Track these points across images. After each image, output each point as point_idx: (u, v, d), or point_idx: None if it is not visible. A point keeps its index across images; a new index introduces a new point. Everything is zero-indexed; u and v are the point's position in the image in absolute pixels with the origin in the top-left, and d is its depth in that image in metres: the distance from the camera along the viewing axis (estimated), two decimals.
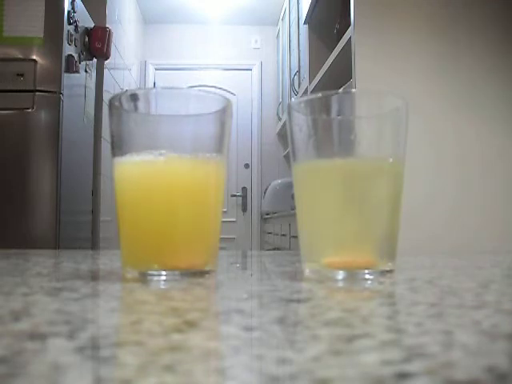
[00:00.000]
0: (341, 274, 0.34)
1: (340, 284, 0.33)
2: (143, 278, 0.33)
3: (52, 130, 1.65)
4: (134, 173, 0.36)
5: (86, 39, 2.02)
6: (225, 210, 3.45)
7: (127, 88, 2.88)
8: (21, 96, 1.63)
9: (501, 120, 1.37)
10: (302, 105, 0.38)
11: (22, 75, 1.64)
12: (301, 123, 0.37)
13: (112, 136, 0.36)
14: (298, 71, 2.61)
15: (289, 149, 0.39)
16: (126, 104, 0.36)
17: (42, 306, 0.24)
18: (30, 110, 1.63)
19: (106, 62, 2.30)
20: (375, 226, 0.36)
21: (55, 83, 1.67)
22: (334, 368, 0.14)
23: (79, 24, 1.88)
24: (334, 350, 0.16)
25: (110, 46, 2.17)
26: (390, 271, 0.35)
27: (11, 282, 0.32)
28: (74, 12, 1.79)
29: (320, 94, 0.36)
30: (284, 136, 3.51)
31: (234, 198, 3.65)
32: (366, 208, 0.36)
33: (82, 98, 1.99)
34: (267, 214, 3.23)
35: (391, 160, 0.36)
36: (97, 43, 2.08)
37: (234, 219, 3.65)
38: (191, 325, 0.19)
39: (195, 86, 3.30)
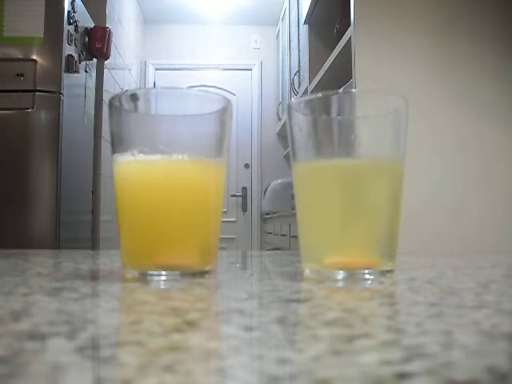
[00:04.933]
0: (341, 274, 0.34)
1: (340, 284, 0.33)
2: (143, 278, 0.33)
3: (52, 130, 1.65)
4: (134, 173, 0.36)
5: (86, 39, 2.02)
6: (225, 210, 3.45)
7: (127, 88, 2.88)
8: (21, 96, 1.63)
9: (501, 119, 1.37)
10: (302, 105, 0.38)
11: (22, 75, 1.64)
12: (301, 123, 0.37)
13: (112, 136, 0.36)
14: (298, 71, 2.61)
15: (289, 149, 0.39)
16: (126, 104, 0.36)
17: (42, 306, 0.24)
18: (29, 110, 1.63)
19: (106, 62, 2.30)
20: (375, 226, 0.36)
21: (55, 83, 1.67)
22: (334, 368, 0.14)
23: (79, 24, 1.88)
24: (334, 349, 0.16)
25: (110, 46, 2.17)
26: (390, 271, 0.35)
27: (11, 282, 0.32)
28: (74, 12, 1.79)
29: (320, 94, 0.36)
30: (284, 136, 3.51)
31: (234, 198, 3.65)
32: (365, 208, 0.36)
33: (81, 98, 1.99)
34: (267, 214, 3.23)
35: (391, 160, 0.36)
36: (97, 43, 2.08)
37: (234, 219, 3.65)
38: (191, 325, 0.19)
39: (195, 86, 3.30)
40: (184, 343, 0.17)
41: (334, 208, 0.36)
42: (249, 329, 0.19)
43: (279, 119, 3.48)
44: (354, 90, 0.39)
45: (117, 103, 0.36)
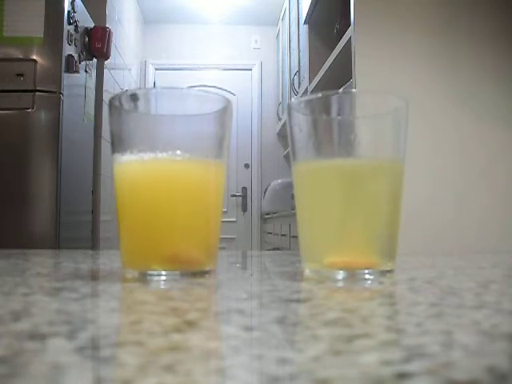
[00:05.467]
0: (341, 274, 0.34)
1: (340, 284, 0.33)
2: (143, 278, 0.33)
3: (52, 130, 1.65)
4: (134, 173, 0.36)
5: (86, 39, 2.02)
6: (225, 210, 3.45)
7: (127, 88, 2.88)
8: (21, 96, 1.63)
9: (501, 119, 1.37)
10: (302, 105, 0.38)
11: (22, 75, 1.64)
12: (301, 123, 0.37)
13: (112, 136, 0.36)
14: (298, 71, 2.61)
15: (289, 149, 0.39)
16: (126, 104, 0.36)
17: (42, 306, 0.24)
18: (29, 110, 1.63)
19: (106, 62, 2.30)
20: (375, 226, 0.36)
21: (55, 83, 1.67)
22: (334, 368, 0.14)
23: (79, 24, 1.88)
24: (334, 349, 0.16)
25: (110, 46, 2.17)
26: (390, 271, 0.35)
27: (11, 282, 0.32)
28: (74, 12, 1.79)
29: (320, 94, 0.36)
30: (284, 136, 3.51)
31: (234, 198, 3.65)
32: (365, 208, 0.36)
33: (81, 98, 1.99)
34: (267, 214, 3.23)
35: (391, 160, 0.36)
36: (97, 43, 2.08)
37: (234, 219, 3.65)
38: (191, 325, 0.19)
39: (195, 86, 3.30)
40: (184, 343, 0.17)
41: (334, 208, 0.36)
42: (249, 329, 0.19)
43: (279, 119, 3.48)
44: (353, 90, 0.39)
45: (117, 103, 0.36)
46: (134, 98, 0.37)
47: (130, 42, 3.17)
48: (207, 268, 0.35)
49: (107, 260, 0.52)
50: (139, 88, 3.03)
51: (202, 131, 0.37)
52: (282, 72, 3.38)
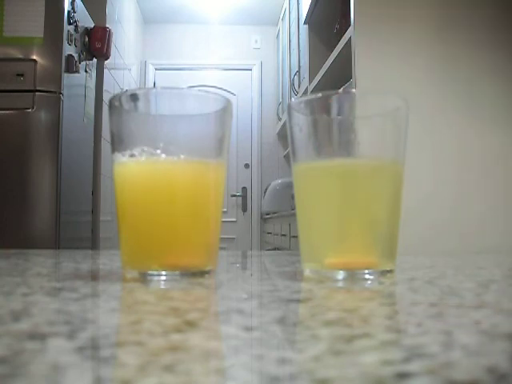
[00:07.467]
0: (341, 274, 0.34)
1: (340, 284, 0.33)
2: (143, 278, 0.33)
3: (52, 130, 1.65)
4: (134, 173, 0.36)
5: (86, 39, 2.02)
6: (225, 210, 3.45)
7: (127, 88, 2.88)
8: (21, 96, 1.63)
9: (500, 120, 1.37)
10: (302, 105, 0.38)
11: (22, 75, 1.64)
12: (301, 123, 0.37)
13: (112, 136, 0.36)
14: (298, 71, 2.61)
15: (289, 149, 0.39)
16: (126, 104, 0.36)
17: (42, 306, 0.24)
18: (29, 110, 1.63)
19: (106, 62, 2.30)
20: (375, 226, 0.36)
21: (55, 83, 1.67)
22: (334, 368, 0.14)
23: (79, 24, 1.88)
24: (334, 349, 0.16)
25: (109, 46, 2.17)
26: (390, 271, 0.35)
27: (11, 282, 0.32)
28: (74, 12, 1.79)
29: (320, 94, 0.36)
30: (284, 136, 3.51)
31: (234, 198, 3.65)
32: (365, 208, 0.36)
33: (81, 98, 1.99)
34: (267, 214, 3.23)
35: (391, 160, 0.36)
36: (97, 43, 2.08)
37: (234, 219, 3.65)
38: (191, 325, 0.19)
39: (195, 86, 3.30)
40: (184, 343, 0.17)
41: (334, 208, 0.36)
42: (249, 329, 0.19)
43: (279, 119, 3.48)
44: (353, 90, 0.39)
45: (117, 103, 0.36)
46: (133, 97, 0.37)
47: (130, 42, 3.17)
48: (207, 268, 0.35)
49: (107, 260, 0.52)
50: (139, 88, 3.03)
51: (202, 131, 0.37)
52: (282, 72, 3.38)
